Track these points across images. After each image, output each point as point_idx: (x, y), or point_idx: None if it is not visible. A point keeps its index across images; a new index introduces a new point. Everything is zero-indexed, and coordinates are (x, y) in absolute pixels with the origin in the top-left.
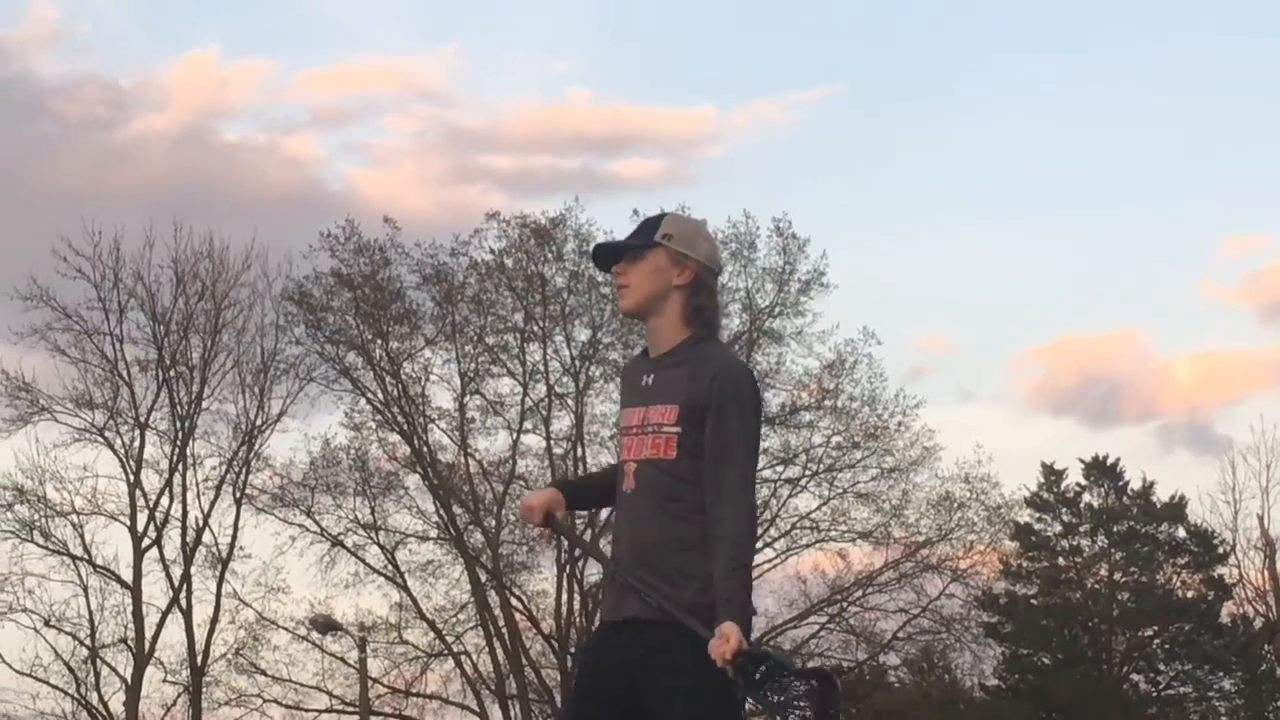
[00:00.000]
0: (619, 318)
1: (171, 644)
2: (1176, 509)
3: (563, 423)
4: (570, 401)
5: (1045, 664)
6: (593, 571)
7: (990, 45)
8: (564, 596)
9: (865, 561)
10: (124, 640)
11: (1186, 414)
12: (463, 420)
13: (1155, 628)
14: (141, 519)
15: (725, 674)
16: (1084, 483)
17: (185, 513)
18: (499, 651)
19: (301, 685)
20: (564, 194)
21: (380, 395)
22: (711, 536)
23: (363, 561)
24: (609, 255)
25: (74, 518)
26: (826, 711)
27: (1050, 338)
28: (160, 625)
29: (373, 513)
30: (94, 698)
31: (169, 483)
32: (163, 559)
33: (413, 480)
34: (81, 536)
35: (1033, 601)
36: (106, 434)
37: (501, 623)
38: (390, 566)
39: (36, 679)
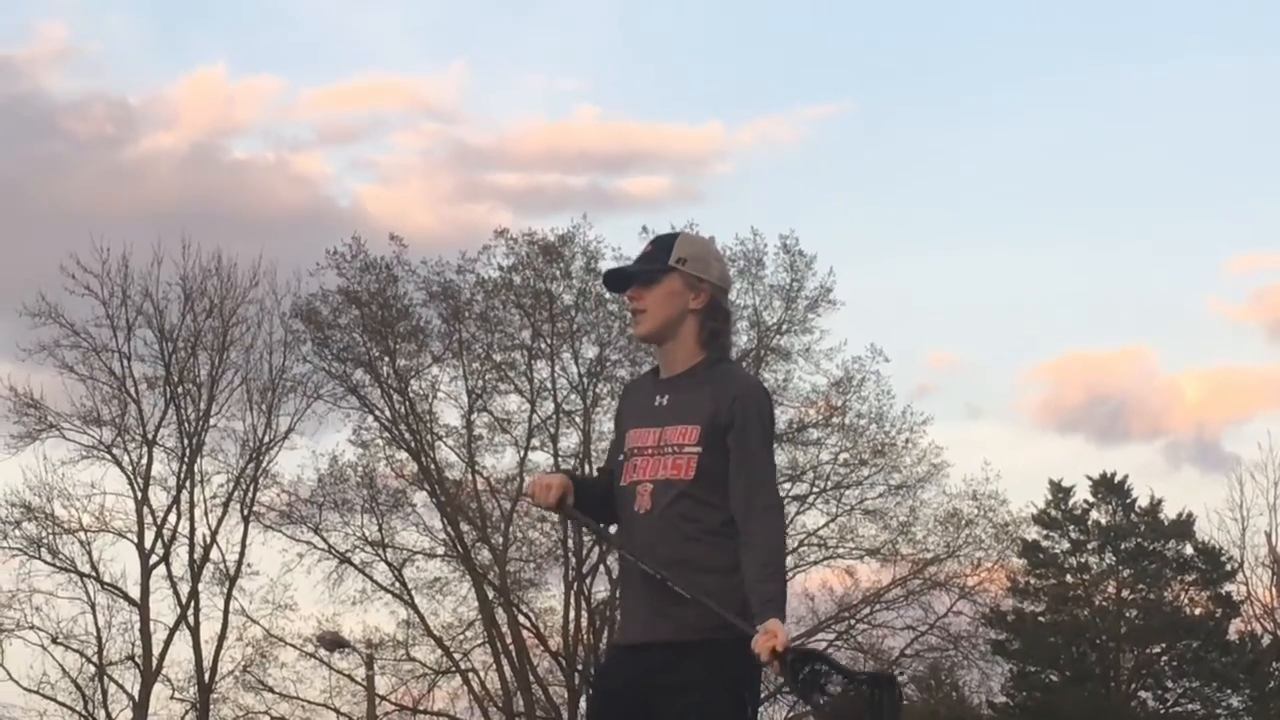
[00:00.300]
0: (627, 335)
1: (179, 661)
2: (1184, 526)
3: (570, 440)
4: (578, 419)
5: (1053, 681)
6: (601, 589)
7: (998, 64)
8: (572, 614)
9: (873, 578)
10: (131, 657)
11: (1194, 431)
12: (470, 437)
13: (1163, 645)
14: (149, 536)
15: (742, 689)
16: (1092, 500)
17: (193, 530)
18: (506, 669)
19: (309, 703)
20: (571, 211)
21: (388, 412)
22: (746, 544)
23: (370, 579)
24: (621, 279)
25: (81, 535)
26: (883, 716)
27: (1058, 355)
28: (167, 642)
29: (380, 530)
30: (101, 715)
31: (176, 500)
32: (170, 576)
33: (420, 497)
34: (89, 554)
35: (1040, 619)
36: (114, 451)
37: (509, 640)
38: (398, 584)
39: (44, 696)
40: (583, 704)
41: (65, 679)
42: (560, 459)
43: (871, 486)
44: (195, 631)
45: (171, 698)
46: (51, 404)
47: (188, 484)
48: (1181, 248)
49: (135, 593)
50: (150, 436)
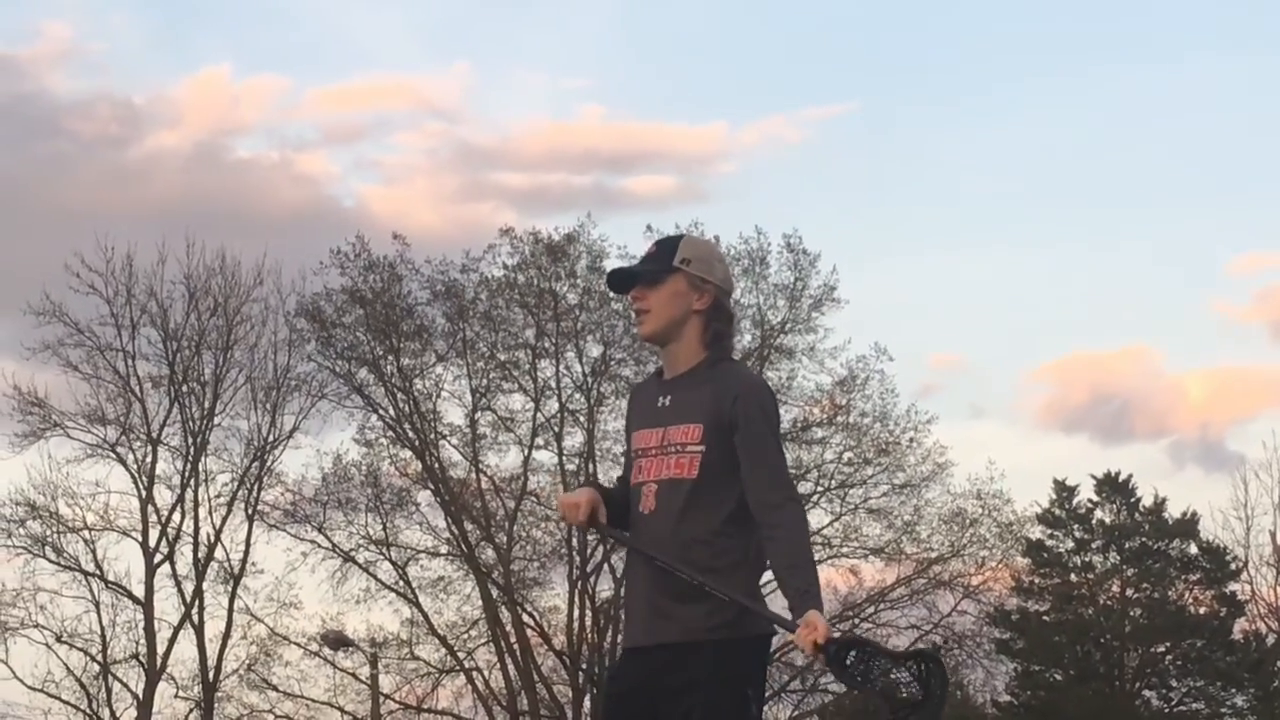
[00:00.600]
0: (631, 334)
1: (183, 660)
2: (1189, 525)
3: (575, 439)
4: (582, 418)
5: (1057, 680)
6: (605, 587)
7: (1000, 64)
8: (576, 613)
9: (877, 578)
10: (136, 656)
11: (1198, 431)
12: (474, 436)
13: (1167, 644)
14: (153, 535)
15: (746, 687)
16: (1096, 499)
17: (197, 528)
18: (511, 668)
19: (313, 701)
20: (576, 211)
21: (392, 411)
22: (770, 540)
23: (374, 577)
24: (625, 279)
25: (86, 533)
26: (933, 693)
27: (1062, 355)
28: (172, 641)
29: (384, 529)
30: (105, 714)
31: (181, 498)
32: (174, 575)
33: (424, 496)
34: (93, 552)
35: (1045, 618)
36: (118, 450)
37: (513, 639)
38: (402, 582)
39: (48, 695)
40: (587, 703)
41: (70, 678)
42: (564, 458)
43: (876, 485)
44: (199, 630)
45: (176, 696)
46: (56, 403)
47: (192, 482)
48: (1185, 247)
49: (140, 591)
50: (155, 435)
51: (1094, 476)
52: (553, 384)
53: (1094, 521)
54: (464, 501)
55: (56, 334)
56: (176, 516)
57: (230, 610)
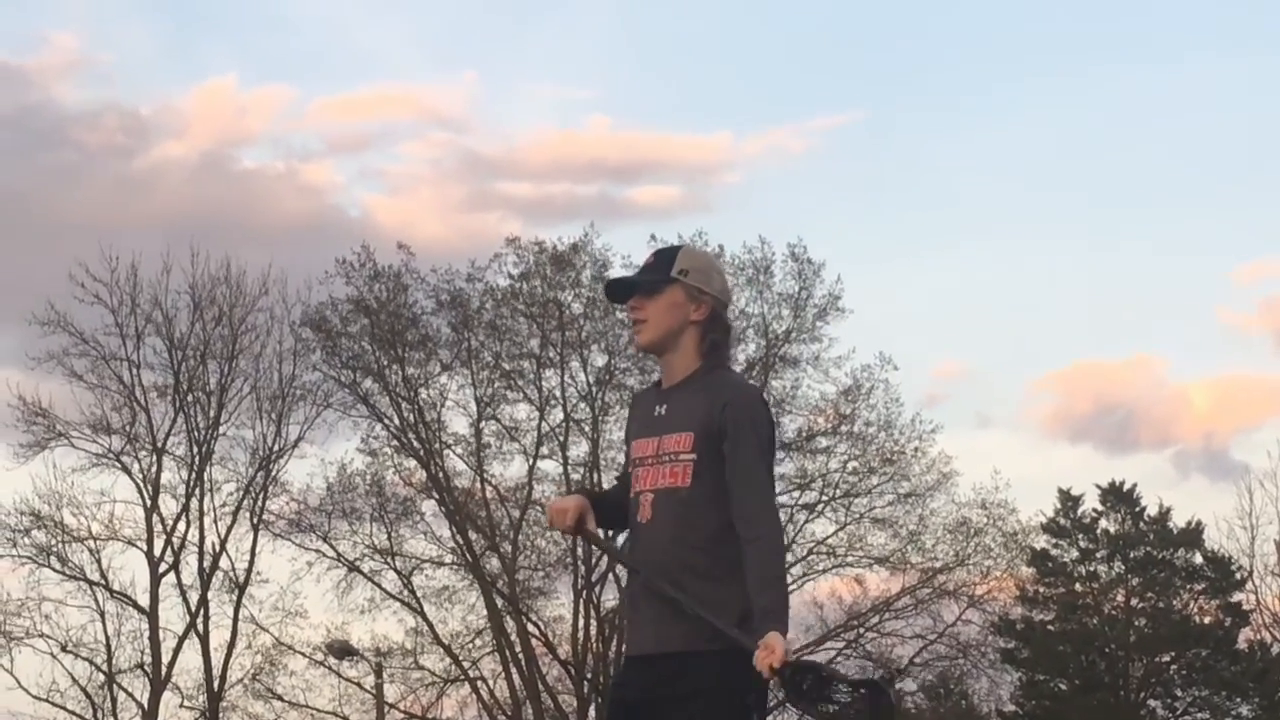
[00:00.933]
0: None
1: (188, 669)
2: (1193, 534)
3: (580, 448)
4: (586, 427)
5: (1062, 690)
6: (610, 597)
7: (1004, 73)
8: (581, 622)
9: (882, 587)
10: (141, 666)
11: (1203, 440)
12: (479, 446)
13: (1172, 653)
14: (158, 544)
15: (747, 698)
16: (1101, 508)
17: (202, 538)
18: (515, 677)
19: (318, 711)
20: (581, 221)
21: (396, 421)
22: (744, 554)
23: (379, 587)
24: (623, 289)
25: (91, 543)
26: (879, 718)
27: (1066, 364)
28: (177, 650)
29: (389, 538)
30: None
31: (186, 508)
32: (180, 584)
33: (429, 506)
34: (98, 562)
35: (1050, 627)
36: (124, 459)
37: (518, 648)
38: (406, 592)
39: (53, 704)
40: (592, 712)
41: (74, 687)
42: (569, 468)
43: (880, 495)
44: (204, 639)
45: (181, 706)
46: (60, 412)
47: (197, 492)
48: (1190, 256)
49: (144, 601)
50: (160, 445)
51: (1099, 486)
52: (557, 393)
53: (1099, 531)
54: (469, 511)
55: (61, 344)
56: (181, 526)
57: (235, 620)
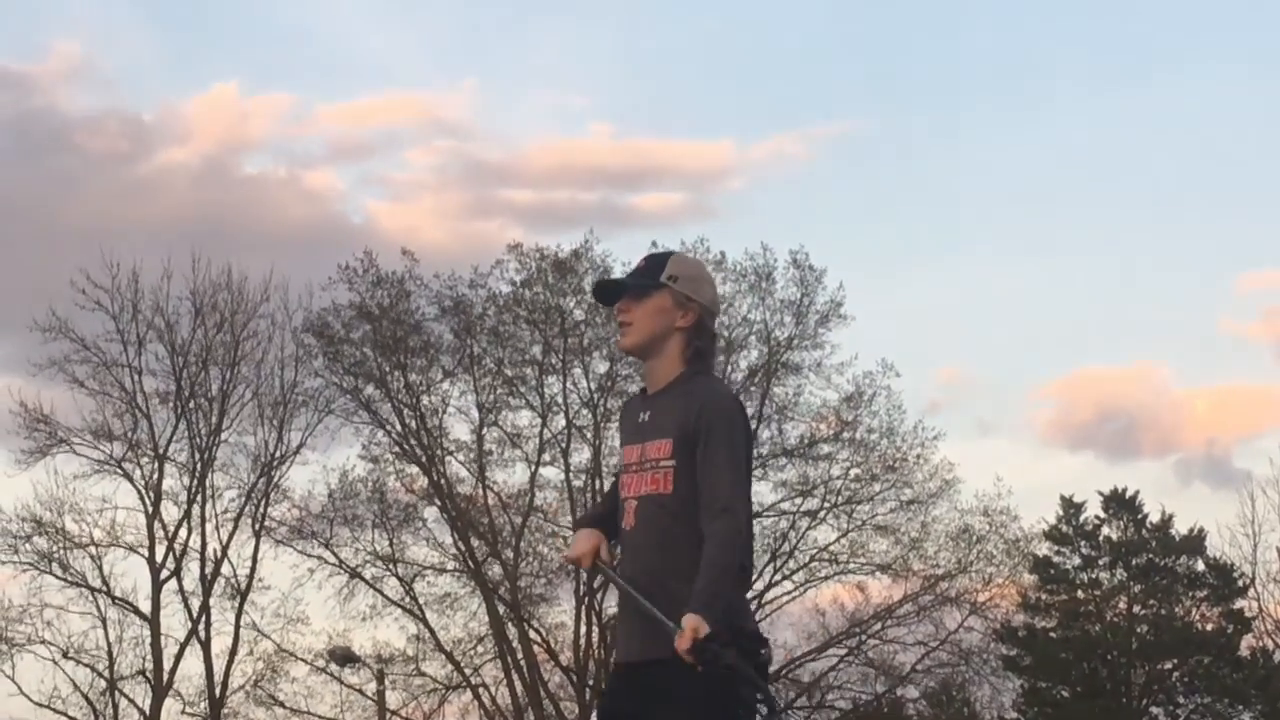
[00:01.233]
0: None
1: (190, 675)
2: (1195, 542)
3: (582, 455)
4: (589, 434)
5: (1064, 697)
6: (610, 604)
7: (1008, 81)
8: (582, 629)
9: (884, 594)
10: (142, 672)
11: (1205, 448)
12: (481, 452)
13: (1174, 661)
14: (160, 551)
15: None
16: (1103, 516)
17: (204, 544)
18: (517, 684)
19: (320, 717)
20: (583, 227)
21: (398, 427)
22: (705, 543)
23: (381, 593)
24: (612, 291)
25: (92, 549)
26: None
27: (1069, 372)
28: (179, 657)
29: (391, 545)
30: None
31: (188, 514)
32: (181, 590)
33: (431, 512)
34: (100, 568)
35: (1052, 634)
36: (125, 466)
37: (520, 655)
38: (408, 598)
39: (55, 711)
40: (593, 719)
41: (76, 693)
42: (571, 474)
43: (883, 502)
44: (206, 646)
45: (183, 712)
46: (62, 419)
47: (199, 498)
48: (1193, 265)
49: (146, 607)
50: (161, 451)
51: (1101, 493)
52: (560, 400)
53: (1101, 538)
54: (471, 517)
55: (63, 350)
56: (183, 532)
57: (237, 626)
